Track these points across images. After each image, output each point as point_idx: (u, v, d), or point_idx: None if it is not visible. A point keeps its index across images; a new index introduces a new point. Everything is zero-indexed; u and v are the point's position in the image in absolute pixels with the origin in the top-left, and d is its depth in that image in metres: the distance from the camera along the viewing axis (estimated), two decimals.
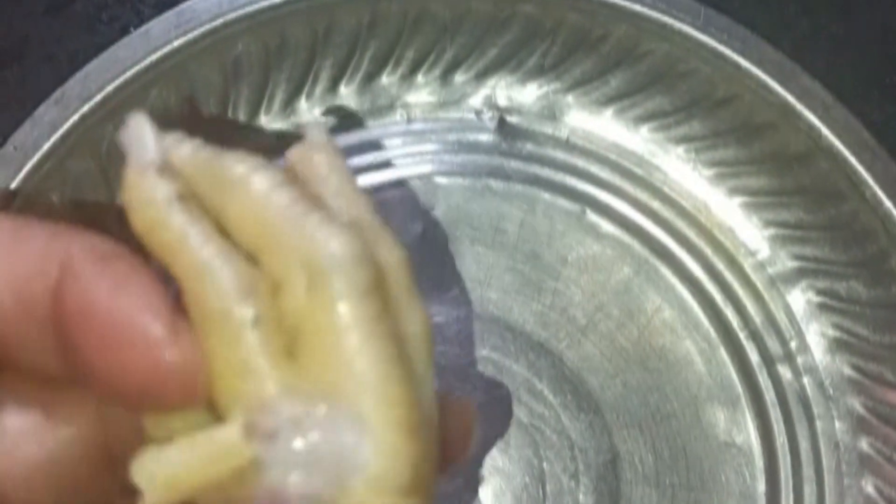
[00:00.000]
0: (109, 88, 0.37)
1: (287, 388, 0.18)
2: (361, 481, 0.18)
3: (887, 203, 0.37)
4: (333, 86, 0.41)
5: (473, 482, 0.38)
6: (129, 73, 0.37)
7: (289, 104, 0.41)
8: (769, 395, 0.39)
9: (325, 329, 0.18)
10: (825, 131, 0.37)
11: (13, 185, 0.36)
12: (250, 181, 0.19)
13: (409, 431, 0.18)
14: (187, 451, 0.18)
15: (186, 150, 0.20)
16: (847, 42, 0.43)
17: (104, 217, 0.38)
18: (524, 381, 0.39)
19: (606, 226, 0.40)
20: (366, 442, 0.18)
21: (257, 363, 0.18)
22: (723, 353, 0.39)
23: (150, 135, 0.21)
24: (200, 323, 0.18)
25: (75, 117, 0.36)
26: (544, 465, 0.38)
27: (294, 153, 0.22)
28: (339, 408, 0.18)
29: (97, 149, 0.37)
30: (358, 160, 0.41)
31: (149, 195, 0.19)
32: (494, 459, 0.38)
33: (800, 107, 0.37)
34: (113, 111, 0.37)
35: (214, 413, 0.19)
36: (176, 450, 0.18)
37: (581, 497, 0.38)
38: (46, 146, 0.36)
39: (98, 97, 0.37)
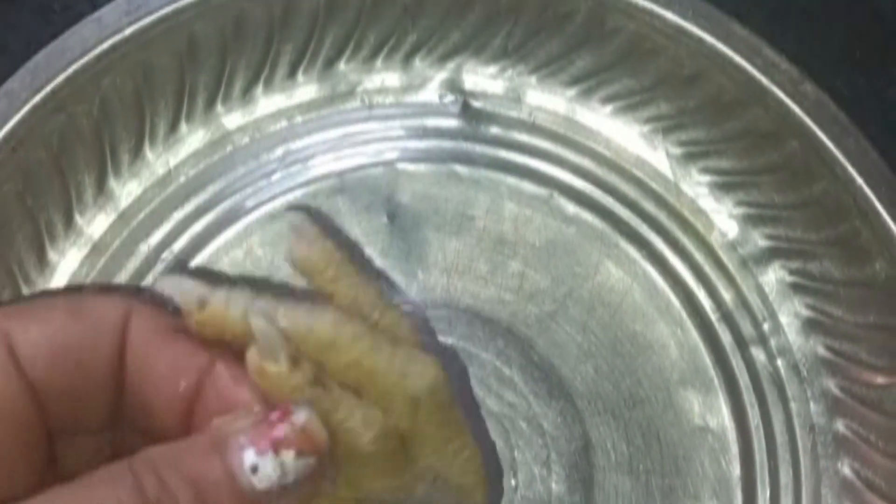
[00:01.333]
0: (60, 79, 0.36)
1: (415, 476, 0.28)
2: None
3: (858, 180, 0.36)
4: (292, 72, 0.40)
5: None
6: (79, 63, 0.36)
7: (247, 92, 0.40)
8: (743, 378, 0.38)
9: (436, 433, 0.28)
10: (794, 108, 0.37)
11: None
12: (341, 341, 0.27)
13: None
14: None
15: (284, 320, 0.27)
16: (817, 16, 0.43)
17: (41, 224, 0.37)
18: (494, 368, 0.38)
19: (574, 209, 0.40)
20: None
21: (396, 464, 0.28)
22: (695, 336, 0.39)
23: (273, 329, 0.26)
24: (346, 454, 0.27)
25: (25, 109, 0.35)
26: (515, 453, 0.37)
27: (299, 251, 0.30)
28: (450, 485, 0.29)
29: (49, 141, 0.36)
30: (320, 147, 0.40)
31: (289, 384, 0.26)
32: None
33: (767, 83, 0.37)
34: (64, 102, 0.36)
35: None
36: None
37: (553, 485, 0.37)
38: None
39: (48, 88, 0.36)
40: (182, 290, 0.27)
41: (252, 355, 0.26)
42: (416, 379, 0.27)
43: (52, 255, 0.38)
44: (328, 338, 0.27)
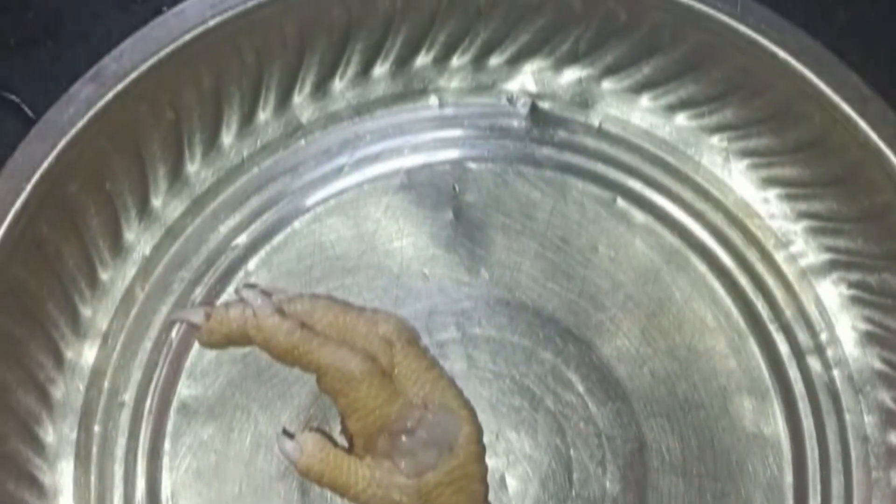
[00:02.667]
0: (144, 68, 0.37)
1: (407, 403, 0.35)
2: (463, 438, 0.35)
3: None
4: (366, 69, 0.41)
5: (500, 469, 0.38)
6: (163, 53, 0.37)
7: (321, 86, 0.40)
8: (798, 387, 0.39)
9: (414, 368, 0.36)
10: (861, 123, 0.37)
11: (47, 162, 0.36)
12: (318, 307, 0.37)
13: (473, 412, 0.36)
14: None
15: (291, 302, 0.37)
16: (885, 34, 0.43)
17: (118, 208, 0.38)
18: (552, 367, 0.39)
19: (637, 214, 0.40)
20: (459, 419, 0.35)
21: (389, 394, 0.35)
22: (752, 345, 0.39)
23: (258, 293, 0.37)
24: (344, 385, 0.35)
25: (110, 95, 0.36)
26: (571, 451, 0.38)
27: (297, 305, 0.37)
28: (438, 407, 0.35)
29: (131, 128, 0.37)
30: (390, 143, 0.41)
31: (281, 329, 0.36)
32: (521, 445, 0.38)
33: (836, 98, 0.37)
34: (147, 90, 0.37)
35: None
36: None
37: (608, 484, 0.38)
38: (81, 123, 0.36)
39: (133, 75, 0.36)
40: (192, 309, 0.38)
41: (250, 316, 0.36)
42: (384, 323, 0.36)
43: (127, 237, 0.39)
44: (307, 308, 0.37)
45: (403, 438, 0.34)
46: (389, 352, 0.35)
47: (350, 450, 0.36)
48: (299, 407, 0.38)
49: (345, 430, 0.36)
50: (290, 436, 0.36)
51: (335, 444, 0.36)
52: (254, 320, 0.36)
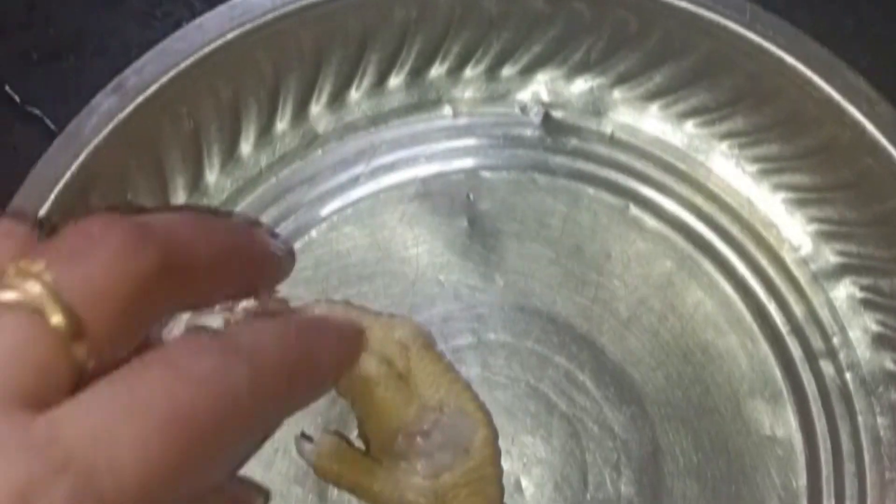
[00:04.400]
0: (164, 80, 0.37)
1: (424, 406, 0.34)
2: (479, 440, 0.34)
3: None
4: (381, 80, 0.41)
5: (515, 472, 0.38)
6: (182, 65, 0.38)
7: (337, 97, 0.41)
8: (811, 390, 0.39)
9: (430, 371, 0.35)
10: (869, 127, 0.37)
11: (69, 173, 0.36)
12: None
13: (488, 415, 0.36)
14: None
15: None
16: (891, 41, 0.44)
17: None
18: (566, 372, 0.39)
19: (650, 221, 0.41)
20: (474, 422, 0.35)
21: (406, 396, 0.34)
22: (765, 348, 0.39)
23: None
24: (361, 389, 0.34)
25: (131, 107, 0.37)
26: (586, 455, 0.38)
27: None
28: (453, 410, 0.35)
29: (152, 138, 0.38)
30: (405, 153, 0.41)
31: None
32: (536, 449, 0.38)
33: (844, 103, 0.38)
34: (167, 102, 0.38)
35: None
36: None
37: (623, 488, 0.38)
38: (103, 134, 0.37)
39: (153, 87, 0.37)
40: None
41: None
42: (400, 328, 0.35)
43: None
44: (324, 314, 0.36)
45: (419, 440, 0.35)
46: (405, 355, 0.36)
47: (367, 452, 0.36)
48: (317, 411, 0.38)
49: (362, 434, 0.37)
50: (309, 439, 0.36)
51: (352, 446, 0.37)
52: None
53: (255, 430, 0.25)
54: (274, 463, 0.38)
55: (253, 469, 0.38)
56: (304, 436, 0.37)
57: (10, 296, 0.21)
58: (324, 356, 0.29)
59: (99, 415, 0.20)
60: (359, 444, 0.37)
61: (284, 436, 0.38)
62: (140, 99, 0.37)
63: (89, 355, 0.21)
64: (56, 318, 0.20)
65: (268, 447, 0.38)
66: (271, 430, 0.26)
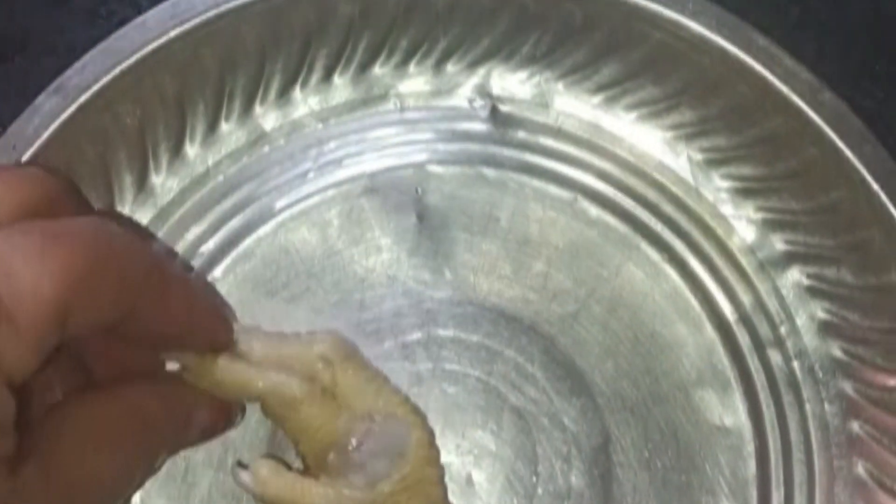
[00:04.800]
0: (106, 78, 0.37)
1: (353, 417, 0.34)
2: (414, 442, 0.34)
3: (875, 187, 0.37)
4: (328, 75, 0.41)
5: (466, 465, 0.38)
6: (125, 64, 0.37)
7: (283, 94, 0.41)
8: (759, 379, 0.39)
9: (355, 382, 0.35)
10: (812, 115, 0.38)
11: None
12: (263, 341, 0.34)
13: (423, 417, 0.35)
14: None
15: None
16: (837, 30, 0.44)
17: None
18: (516, 365, 0.39)
19: (597, 212, 0.41)
20: (407, 427, 0.34)
21: (332, 410, 0.34)
22: (713, 338, 0.40)
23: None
24: (286, 409, 0.34)
25: (73, 107, 0.37)
26: (537, 448, 0.38)
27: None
28: (384, 417, 0.34)
29: (96, 138, 0.38)
30: (353, 148, 0.41)
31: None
32: (487, 442, 0.38)
33: (787, 91, 0.38)
34: (110, 101, 0.38)
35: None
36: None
37: (573, 479, 0.38)
38: (45, 135, 0.37)
39: (96, 87, 0.37)
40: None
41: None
42: (320, 343, 0.35)
43: None
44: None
45: (352, 452, 0.34)
46: (329, 370, 0.35)
47: (306, 471, 0.36)
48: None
49: (299, 454, 0.36)
50: (245, 467, 0.36)
51: (290, 467, 0.36)
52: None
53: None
54: (225, 464, 0.38)
55: (204, 470, 0.38)
56: (241, 464, 0.37)
57: None
58: None
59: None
60: (300, 463, 0.37)
61: (233, 435, 0.38)
62: (82, 99, 0.37)
63: None
64: None
65: (218, 446, 0.38)
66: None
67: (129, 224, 0.39)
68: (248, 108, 0.41)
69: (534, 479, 0.38)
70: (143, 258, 0.27)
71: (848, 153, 0.38)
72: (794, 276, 0.40)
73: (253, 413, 0.36)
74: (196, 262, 0.40)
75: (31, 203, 0.26)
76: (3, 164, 0.33)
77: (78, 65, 0.37)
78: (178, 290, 0.28)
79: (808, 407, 0.39)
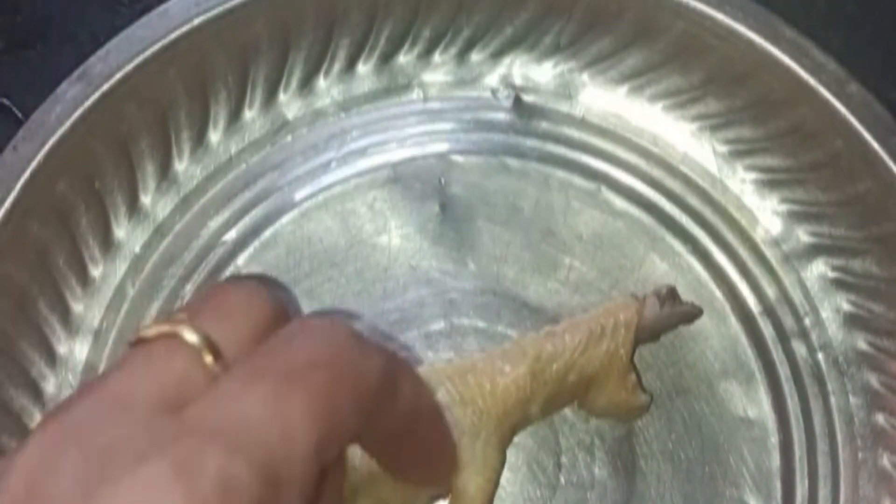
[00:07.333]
0: (129, 67, 0.37)
1: None
2: None
3: None
4: (351, 65, 0.41)
5: None
6: (148, 52, 0.37)
7: (307, 83, 0.41)
8: (784, 371, 0.39)
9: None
10: (839, 107, 0.37)
11: (35, 162, 0.36)
12: None
13: None
14: None
15: None
16: (864, 23, 0.44)
17: (108, 206, 0.39)
18: None
19: (621, 203, 0.41)
20: None
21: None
22: (737, 330, 0.40)
23: None
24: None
25: (96, 95, 0.37)
26: (560, 438, 0.38)
27: None
28: None
29: (119, 126, 0.38)
30: (376, 138, 0.41)
31: None
32: None
33: (813, 83, 0.37)
34: (133, 89, 0.37)
35: None
36: None
37: (597, 471, 0.38)
38: (68, 123, 0.36)
39: (119, 75, 0.37)
40: None
41: None
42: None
43: (117, 234, 0.39)
44: None
45: None
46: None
47: None
48: None
49: None
50: None
51: None
52: None
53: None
54: None
55: None
56: None
57: (158, 330, 0.23)
58: None
59: (228, 386, 0.22)
60: None
61: None
62: (105, 87, 0.37)
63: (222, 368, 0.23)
64: (191, 337, 0.22)
65: None
66: None
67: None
68: (271, 96, 0.41)
69: (557, 469, 0.38)
70: (377, 361, 0.24)
71: (874, 145, 0.37)
72: (819, 267, 0.40)
73: None
74: (218, 252, 0.40)
75: (261, 325, 0.24)
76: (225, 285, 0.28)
77: (101, 52, 0.37)
78: (407, 380, 0.27)
79: (832, 399, 0.39)
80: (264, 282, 0.28)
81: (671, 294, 0.36)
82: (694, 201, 0.41)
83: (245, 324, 0.24)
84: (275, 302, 0.25)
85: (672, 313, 0.36)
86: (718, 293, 0.40)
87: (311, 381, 0.22)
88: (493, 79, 0.42)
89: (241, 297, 0.25)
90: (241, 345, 0.23)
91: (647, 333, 0.36)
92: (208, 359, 0.22)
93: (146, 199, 0.40)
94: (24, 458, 0.20)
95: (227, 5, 0.38)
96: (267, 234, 0.40)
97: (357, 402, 0.24)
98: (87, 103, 0.37)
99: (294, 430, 0.21)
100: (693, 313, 0.38)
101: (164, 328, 0.23)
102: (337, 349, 0.23)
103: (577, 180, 0.41)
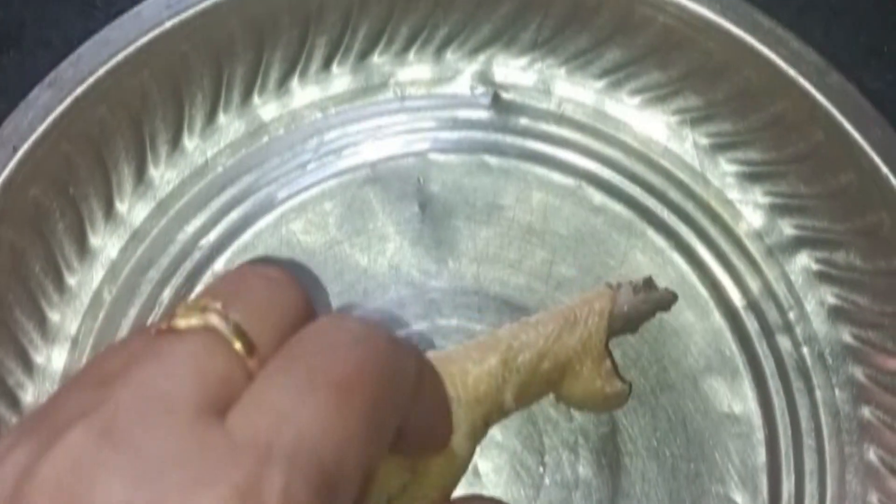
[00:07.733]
0: (101, 71, 0.37)
1: None
2: None
3: (884, 170, 0.37)
4: (326, 65, 0.41)
5: None
6: (121, 56, 0.37)
7: (282, 84, 0.41)
8: (768, 366, 0.39)
9: None
10: (820, 98, 0.37)
11: (8, 168, 0.36)
12: None
13: None
14: None
15: None
16: (845, 11, 0.43)
17: (83, 212, 0.39)
18: None
19: (602, 199, 0.40)
20: None
21: None
22: (721, 324, 0.39)
23: None
24: None
25: (69, 100, 0.36)
26: (544, 437, 0.38)
27: None
28: None
29: (92, 131, 0.38)
30: (353, 138, 0.41)
31: None
32: (493, 433, 0.38)
33: (793, 74, 0.37)
34: (106, 93, 0.37)
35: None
36: None
37: (581, 469, 0.38)
38: (41, 129, 0.36)
39: (91, 79, 0.37)
40: None
41: None
42: None
43: (93, 241, 0.39)
44: None
45: None
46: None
47: None
48: None
49: None
50: None
51: None
52: None
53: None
54: None
55: None
56: None
57: (193, 321, 0.22)
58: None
59: (278, 396, 0.21)
60: None
61: None
62: (78, 91, 0.37)
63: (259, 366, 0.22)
64: (229, 333, 0.22)
65: None
66: None
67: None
68: (246, 98, 0.40)
69: (541, 469, 0.38)
70: (412, 362, 0.25)
71: (856, 136, 0.37)
72: (803, 261, 0.39)
73: None
74: (196, 255, 0.40)
75: (290, 318, 0.24)
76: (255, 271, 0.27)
77: (72, 57, 0.37)
78: (428, 374, 0.27)
79: (818, 393, 0.38)
80: (290, 269, 0.27)
81: (647, 283, 0.36)
82: (675, 196, 0.41)
83: (277, 316, 0.23)
84: (304, 294, 0.25)
85: (647, 299, 0.36)
86: (702, 288, 0.40)
87: (362, 392, 0.22)
88: (470, 76, 0.41)
89: (272, 287, 0.24)
90: (273, 339, 0.23)
91: (622, 321, 0.35)
92: (247, 357, 0.22)
93: (122, 205, 0.39)
94: (48, 462, 0.19)
95: (200, 7, 0.38)
96: (245, 237, 0.40)
97: (400, 407, 0.24)
98: (60, 109, 0.36)
99: (349, 443, 0.21)
100: (668, 299, 0.37)
101: (197, 320, 0.22)
102: (381, 356, 0.23)
103: (557, 177, 0.41)
